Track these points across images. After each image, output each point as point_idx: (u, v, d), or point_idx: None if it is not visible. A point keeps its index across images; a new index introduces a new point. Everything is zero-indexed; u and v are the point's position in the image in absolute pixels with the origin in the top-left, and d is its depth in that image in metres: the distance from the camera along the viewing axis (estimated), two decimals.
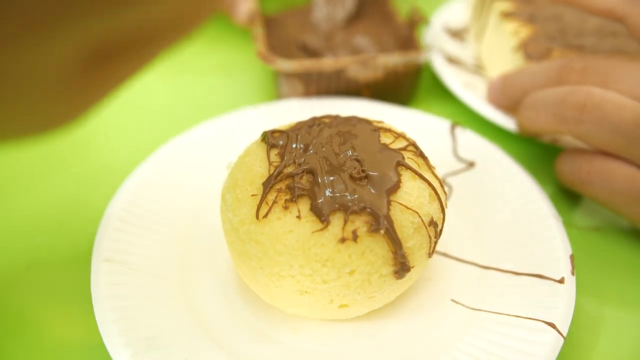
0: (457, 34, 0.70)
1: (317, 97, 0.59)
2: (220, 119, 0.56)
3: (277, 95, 0.61)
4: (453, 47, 0.68)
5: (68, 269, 0.47)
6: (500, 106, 0.56)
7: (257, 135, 0.49)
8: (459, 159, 0.54)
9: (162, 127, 0.62)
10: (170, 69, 0.71)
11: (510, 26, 0.59)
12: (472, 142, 0.55)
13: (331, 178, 0.40)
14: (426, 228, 0.40)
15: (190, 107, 0.66)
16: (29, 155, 0.58)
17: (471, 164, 0.53)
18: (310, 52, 0.68)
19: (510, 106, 0.55)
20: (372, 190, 0.39)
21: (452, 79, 0.61)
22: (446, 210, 0.50)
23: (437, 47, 0.64)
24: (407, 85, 0.61)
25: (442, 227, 0.42)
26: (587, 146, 0.49)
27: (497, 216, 0.49)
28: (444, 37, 0.69)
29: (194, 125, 0.57)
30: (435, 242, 0.42)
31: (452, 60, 0.64)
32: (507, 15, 0.61)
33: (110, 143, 0.60)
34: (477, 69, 0.65)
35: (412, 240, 0.39)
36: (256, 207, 0.40)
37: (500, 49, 0.61)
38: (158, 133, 0.60)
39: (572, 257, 0.44)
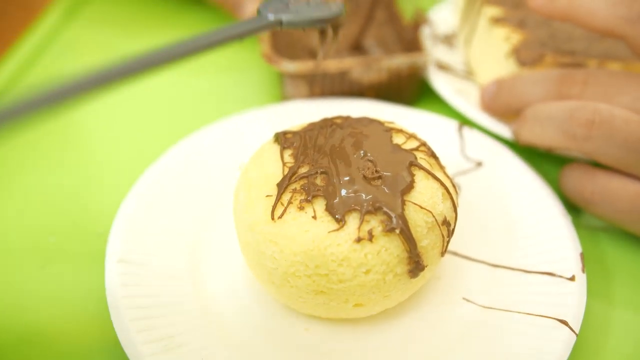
0: (445, 39, 0.69)
1: (323, 98, 0.59)
2: (229, 120, 0.56)
3: (282, 95, 0.62)
4: (442, 53, 0.67)
5: (82, 268, 0.47)
6: (494, 112, 0.55)
7: (267, 136, 0.49)
8: (467, 158, 0.55)
9: (171, 127, 0.62)
10: (175, 69, 0.71)
11: (501, 32, 0.59)
12: (479, 141, 0.55)
13: (345, 178, 0.40)
14: (439, 227, 0.40)
15: (197, 107, 0.66)
16: (42, 156, 0.58)
17: (479, 164, 0.54)
18: (315, 54, 0.68)
19: (505, 113, 0.54)
20: (386, 190, 0.40)
21: (444, 85, 0.60)
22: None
23: (428, 52, 0.64)
24: (411, 86, 0.62)
25: (454, 226, 0.43)
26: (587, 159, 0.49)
27: (505, 215, 0.50)
28: (433, 42, 0.69)
29: (201, 126, 0.57)
30: (448, 241, 0.42)
31: (441, 66, 0.64)
32: (497, 21, 0.60)
33: (120, 143, 0.60)
34: (467, 74, 0.65)
35: (426, 240, 0.40)
36: (271, 207, 0.40)
37: (491, 55, 0.60)
38: (167, 133, 0.60)
39: (582, 255, 0.45)
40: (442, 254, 0.42)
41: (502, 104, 0.54)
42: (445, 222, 0.41)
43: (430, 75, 0.62)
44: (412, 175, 0.41)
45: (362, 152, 0.42)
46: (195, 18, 0.78)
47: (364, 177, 0.40)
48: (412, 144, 0.44)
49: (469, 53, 0.66)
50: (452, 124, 0.57)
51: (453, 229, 0.43)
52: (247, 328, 0.43)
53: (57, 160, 0.58)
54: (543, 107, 0.48)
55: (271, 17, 0.39)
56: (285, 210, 0.40)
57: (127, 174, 0.53)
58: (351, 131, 0.44)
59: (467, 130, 0.56)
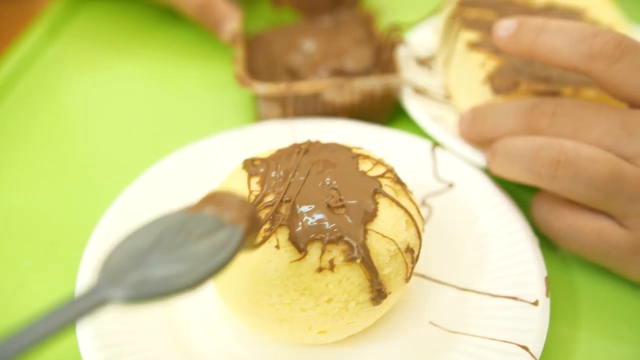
0: (425, 61, 0.69)
1: (298, 119, 0.60)
2: (203, 142, 0.57)
3: (258, 116, 0.62)
4: (421, 76, 0.67)
5: (55, 293, 0.48)
6: (470, 141, 0.55)
7: (241, 159, 0.49)
8: (439, 179, 0.55)
9: (147, 147, 0.63)
10: (156, 86, 0.72)
11: (477, 58, 0.58)
12: (452, 163, 0.55)
13: (309, 207, 0.41)
14: (403, 255, 0.41)
15: (177, 125, 0.66)
16: (16, 178, 0.59)
17: (451, 185, 0.54)
18: (293, 73, 0.68)
19: (480, 142, 0.55)
20: (349, 219, 0.40)
21: (419, 111, 0.60)
22: (426, 231, 0.51)
23: (405, 77, 0.63)
24: (385, 108, 0.62)
25: (418, 252, 0.43)
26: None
27: (475, 238, 0.50)
28: (411, 65, 0.68)
29: (180, 145, 0.58)
30: (412, 268, 0.43)
31: (419, 91, 0.63)
32: (473, 46, 0.59)
33: (94, 166, 0.61)
34: (446, 99, 0.64)
35: (389, 268, 0.40)
36: None
37: (467, 80, 0.60)
38: (142, 154, 0.61)
39: (547, 279, 0.45)
40: (407, 280, 0.43)
41: (476, 133, 0.54)
42: (409, 250, 0.42)
43: (406, 100, 0.62)
44: (376, 203, 0.42)
45: (327, 179, 0.43)
46: (177, 35, 0.78)
47: (328, 205, 0.41)
48: (378, 171, 0.45)
49: (447, 77, 0.66)
50: (425, 144, 0.57)
51: (417, 256, 0.43)
52: (216, 354, 0.44)
53: (32, 183, 0.58)
54: (511, 142, 0.48)
55: (105, 294, 0.27)
56: None
57: (102, 197, 0.53)
58: (318, 158, 0.45)
59: (440, 151, 0.56)
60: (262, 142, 0.58)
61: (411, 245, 0.42)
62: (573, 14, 0.64)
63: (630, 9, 0.76)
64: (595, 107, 0.46)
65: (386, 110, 0.63)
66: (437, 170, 0.56)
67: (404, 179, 0.51)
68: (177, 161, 0.55)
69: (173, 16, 0.78)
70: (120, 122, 0.67)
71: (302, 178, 0.43)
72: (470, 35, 0.61)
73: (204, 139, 0.57)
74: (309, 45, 0.73)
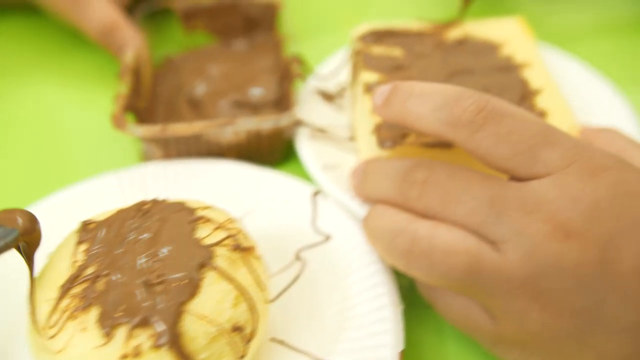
0: (331, 98, 0.62)
1: (180, 160, 0.56)
2: (74, 187, 0.54)
3: (143, 156, 0.59)
4: (327, 113, 0.60)
5: None
6: (359, 197, 0.50)
7: (107, 208, 0.46)
8: (317, 231, 0.51)
9: (36, 182, 0.60)
10: (57, 116, 0.69)
11: (370, 102, 0.50)
12: (332, 212, 0.52)
13: (125, 284, 0.38)
14: (228, 335, 0.38)
15: (69, 160, 0.64)
16: None
17: (327, 238, 0.51)
18: (194, 104, 0.65)
19: (366, 201, 0.50)
20: (164, 299, 0.37)
21: (311, 156, 0.55)
22: (295, 290, 0.48)
23: (305, 114, 0.58)
24: (275, 147, 0.58)
25: (254, 328, 0.40)
26: None
27: (341, 300, 0.47)
28: (318, 101, 0.62)
29: (67, 183, 0.55)
30: (247, 346, 0.39)
31: (320, 131, 0.58)
32: (369, 89, 0.52)
33: None
34: (350, 141, 0.58)
35: (207, 352, 0.37)
36: (48, 313, 0.38)
37: (364, 127, 0.54)
38: (28, 190, 0.59)
39: (401, 354, 0.42)
40: (241, 358, 0.39)
41: (362, 191, 0.49)
42: (237, 329, 0.39)
43: (299, 143, 0.56)
44: (200, 278, 0.39)
45: (153, 250, 0.40)
46: (86, 60, 0.75)
47: (145, 282, 0.38)
48: (216, 237, 0.41)
49: (353, 117, 0.60)
50: (307, 190, 0.53)
51: (253, 332, 0.40)
52: None
53: None
54: (375, 218, 0.44)
55: None
56: (59, 319, 0.37)
57: None
58: (152, 222, 0.42)
59: (321, 199, 0.53)
60: (138, 187, 0.55)
61: (240, 323, 0.39)
62: (487, 49, 0.59)
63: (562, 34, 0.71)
64: (466, 178, 0.41)
65: (277, 151, 0.59)
66: (316, 220, 0.52)
67: (279, 229, 0.48)
68: (43, 208, 0.53)
69: (82, 40, 0.74)
70: (8, 154, 0.64)
71: (129, 249, 0.40)
72: (369, 76, 0.54)
73: (76, 184, 0.55)
74: (217, 72, 0.69)
